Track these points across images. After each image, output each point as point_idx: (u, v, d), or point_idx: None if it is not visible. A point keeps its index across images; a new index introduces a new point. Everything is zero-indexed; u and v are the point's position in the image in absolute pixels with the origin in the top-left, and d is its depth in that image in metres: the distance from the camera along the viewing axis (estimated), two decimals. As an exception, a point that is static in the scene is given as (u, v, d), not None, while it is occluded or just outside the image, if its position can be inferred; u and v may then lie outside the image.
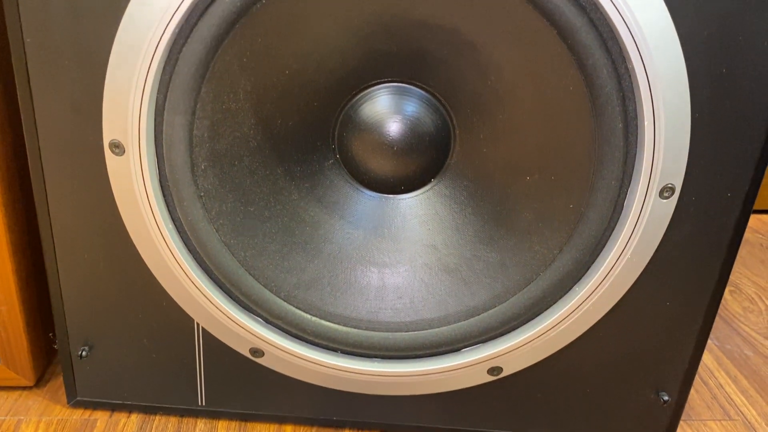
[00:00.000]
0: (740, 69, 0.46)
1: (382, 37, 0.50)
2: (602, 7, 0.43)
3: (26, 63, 0.48)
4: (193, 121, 0.48)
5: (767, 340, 0.80)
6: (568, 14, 0.44)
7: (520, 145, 0.52)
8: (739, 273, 0.97)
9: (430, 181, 0.57)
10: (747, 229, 1.12)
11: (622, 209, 0.50)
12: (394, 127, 0.54)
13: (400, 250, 0.57)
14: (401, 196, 0.58)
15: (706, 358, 0.76)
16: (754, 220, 1.16)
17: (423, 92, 0.54)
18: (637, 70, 0.45)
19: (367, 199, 0.57)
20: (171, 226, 0.52)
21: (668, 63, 0.45)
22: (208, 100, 0.48)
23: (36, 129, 0.50)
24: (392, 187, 0.57)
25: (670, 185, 0.49)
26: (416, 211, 0.57)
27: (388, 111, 0.54)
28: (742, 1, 0.45)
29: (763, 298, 0.90)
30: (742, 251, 1.03)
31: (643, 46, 0.44)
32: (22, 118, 0.50)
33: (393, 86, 0.54)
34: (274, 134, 0.53)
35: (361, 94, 0.54)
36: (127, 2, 0.45)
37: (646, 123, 0.47)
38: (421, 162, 0.56)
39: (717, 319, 0.83)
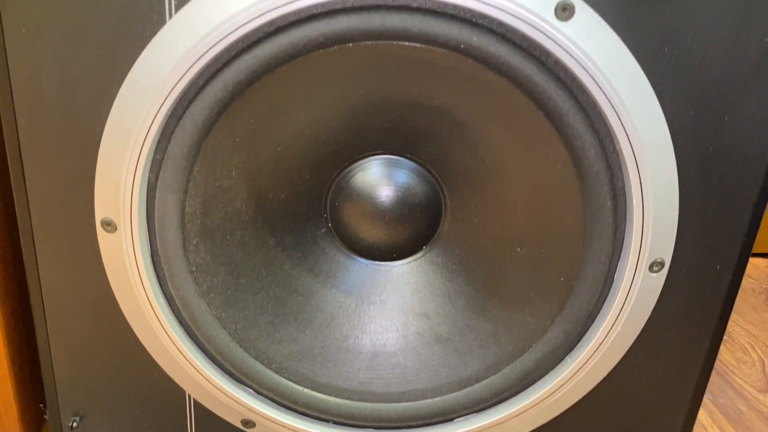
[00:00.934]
0: (726, 147, 0.47)
1: (373, 115, 0.50)
2: (589, 90, 0.44)
3: (18, 142, 0.48)
4: (185, 199, 0.49)
5: (761, 393, 0.79)
6: (555, 98, 0.44)
7: (511, 217, 0.53)
8: (731, 321, 0.97)
9: (421, 248, 0.57)
10: (739, 274, 1.12)
11: (612, 282, 0.50)
12: (385, 196, 0.55)
13: (393, 318, 0.57)
14: (393, 264, 0.58)
15: (700, 413, 0.76)
16: (747, 264, 1.17)
17: (414, 164, 0.54)
18: (624, 151, 0.46)
19: (360, 267, 0.58)
20: (162, 300, 0.52)
21: (655, 142, 0.46)
22: (201, 178, 0.49)
23: (28, 206, 0.50)
24: (384, 254, 0.57)
25: (659, 260, 0.49)
26: (408, 279, 0.57)
27: (380, 181, 0.54)
28: (727, 83, 0.45)
29: (756, 349, 0.90)
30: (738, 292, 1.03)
31: (630, 127, 0.45)
32: (14, 195, 0.50)
33: (384, 158, 0.54)
34: (266, 207, 0.53)
35: (353, 165, 0.54)
36: (119, 85, 0.46)
37: (634, 201, 0.47)
38: (412, 230, 0.56)
39: (711, 371, 0.83)
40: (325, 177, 0.54)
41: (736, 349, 0.90)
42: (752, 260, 1.19)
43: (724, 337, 0.92)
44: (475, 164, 0.52)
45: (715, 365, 0.85)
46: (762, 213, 0.49)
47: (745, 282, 1.10)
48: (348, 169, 0.55)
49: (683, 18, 0.44)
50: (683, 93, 0.45)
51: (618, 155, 0.46)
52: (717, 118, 0.46)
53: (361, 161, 0.54)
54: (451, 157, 0.52)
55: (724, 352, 0.89)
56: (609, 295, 0.51)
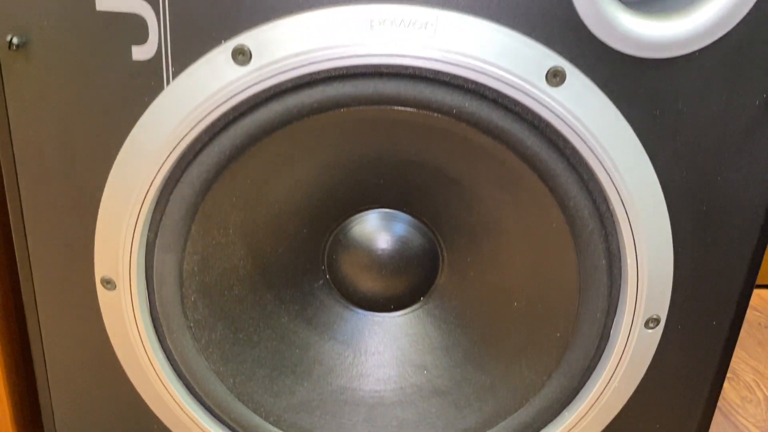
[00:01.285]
0: (720, 206, 0.47)
1: (369, 172, 0.51)
2: (581, 153, 0.45)
3: (21, 202, 0.49)
4: (183, 258, 0.49)
5: (765, 435, 0.79)
6: (548, 161, 0.45)
7: (507, 272, 0.53)
8: (736, 357, 0.96)
9: (419, 299, 0.58)
10: (745, 306, 1.11)
11: (608, 338, 0.51)
12: (382, 249, 0.55)
13: (390, 370, 0.57)
14: (391, 315, 0.58)
15: (704, 456, 0.75)
16: (752, 296, 1.16)
17: (410, 217, 0.55)
18: (617, 211, 0.46)
19: (357, 318, 0.58)
20: (161, 355, 0.52)
21: (648, 202, 0.46)
22: (198, 237, 0.49)
23: (30, 264, 0.51)
24: (382, 305, 0.58)
25: (654, 317, 0.49)
26: (406, 330, 0.58)
27: (377, 233, 0.55)
28: (719, 145, 0.46)
29: (762, 387, 0.89)
30: (740, 332, 1.03)
31: (622, 188, 0.45)
32: (16, 253, 0.51)
33: (381, 211, 0.55)
34: (264, 261, 0.53)
35: (350, 219, 0.55)
36: (119, 148, 0.46)
37: (628, 260, 0.47)
38: (409, 282, 0.56)
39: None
40: (322, 231, 0.55)
41: (741, 387, 0.89)
42: (758, 292, 1.18)
43: (728, 375, 0.92)
44: (470, 220, 0.52)
45: (720, 404, 0.84)
46: (757, 271, 0.49)
47: (750, 315, 1.10)
48: (345, 222, 0.55)
49: (674, 82, 0.44)
50: (676, 154, 0.46)
51: (612, 215, 0.47)
52: (710, 179, 0.47)
53: (359, 214, 0.55)
54: (447, 212, 0.53)
55: (729, 390, 0.88)
56: (605, 350, 0.51)
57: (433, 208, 0.53)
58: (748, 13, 0.42)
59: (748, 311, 1.09)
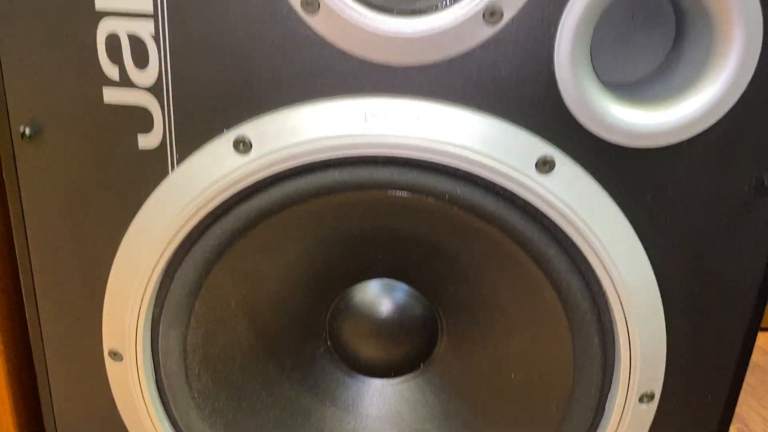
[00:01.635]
0: (712, 286, 0.48)
1: (367, 246, 0.52)
2: (571, 238, 0.46)
3: (33, 281, 0.51)
4: (187, 332, 0.51)
5: (774, 491, 0.78)
6: (540, 245, 0.46)
7: (503, 344, 0.54)
8: (747, 406, 0.95)
9: (419, 366, 0.59)
10: (756, 350, 1.11)
11: (603, 412, 0.51)
12: (383, 317, 0.56)
13: (391, 436, 0.58)
14: (391, 381, 0.59)
15: None
16: (763, 337, 1.15)
17: (409, 287, 0.56)
18: (609, 293, 0.47)
19: (358, 384, 0.59)
20: (167, 424, 0.54)
21: (640, 283, 0.47)
22: (202, 313, 0.51)
23: (41, 336, 0.53)
24: (382, 371, 0.59)
25: (649, 392, 0.50)
26: (407, 397, 0.59)
27: (377, 302, 0.56)
28: (710, 227, 0.46)
29: (772, 438, 0.89)
30: (750, 379, 1.02)
31: (613, 270, 0.46)
32: (28, 326, 0.53)
33: (380, 282, 0.56)
34: (266, 332, 0.55)
35: (351, 288, 0.56)
36: (125, 230, 0.48)
37: (621, 339, 0.48)
38: (409, 349, 0.57)
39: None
40: (323, 301, 0.56)
41: (751, 439, 0.88)
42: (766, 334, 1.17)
43: (739, 424, 0.91)
44: (467, 293, 0.53)
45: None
46: (751, 347, 0.50)
47: (762, 359, 1.09)
48: (345, 292, 0.56)
49: (663, 169, 0.45)
50: (666, 237, 0.47)
51: (604, 295, 0.47)
52: (701, 260, 0.47)
53: (359, 284, 0.56)
54: (445, 284, 0.54)
55: (738, 442, 0.87)
56: (600, 424, 0.51)
57: (430, 281, 0.54)
58: (736, 104, 0.43)
59: (760, 356, 1.08)
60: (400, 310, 0.56)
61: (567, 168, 0.45)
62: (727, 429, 0.52)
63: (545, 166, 0.44)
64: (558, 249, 0.46)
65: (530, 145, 0.44)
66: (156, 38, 0.43)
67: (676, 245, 0.47)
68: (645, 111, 0.44)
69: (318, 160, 0.45)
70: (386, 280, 0.56)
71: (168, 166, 0.47)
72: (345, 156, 0.45)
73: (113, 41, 0.44)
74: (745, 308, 0.48)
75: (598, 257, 0.46)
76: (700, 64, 0.44)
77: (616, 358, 0.49)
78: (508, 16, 0.41)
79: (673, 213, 0.46)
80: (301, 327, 0.56)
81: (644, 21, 0.47)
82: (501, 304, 0.52)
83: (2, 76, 0.45)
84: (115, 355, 0.52)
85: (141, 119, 0.46)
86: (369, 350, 0.58)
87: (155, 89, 0.45)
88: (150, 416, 0.53)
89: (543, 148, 0.44)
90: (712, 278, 0.48)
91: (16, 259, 0.51)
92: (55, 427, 0.56)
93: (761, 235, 0.46)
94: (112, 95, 0.45)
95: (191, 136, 0.46)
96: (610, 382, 0.50)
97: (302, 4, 0.42)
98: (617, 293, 0.47)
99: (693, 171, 0.45)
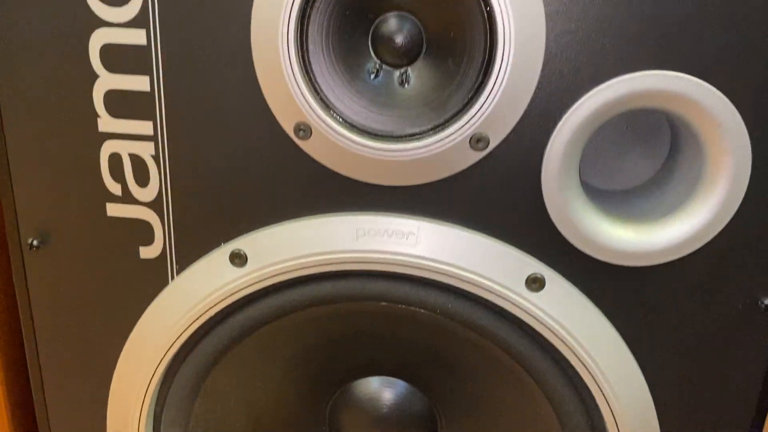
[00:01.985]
0: (708, 400, 0.47)
1: (365, 348, 0.53)
2: (562, 353, 0.46)
3: (40, 368, 0.53)
4: (188, 430, 0.52)
5: None
6: (531, 358, 0.46)
7: (501, 444, 0.54)
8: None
9: (420, 456, 0.59)
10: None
11: None
12: (382, 410, 0.57)
13: None
14: (392, 473, 0.59)
15: None
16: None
17: (408, 384, 0.56)
18: (602, 405, 0.47)
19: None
20: None
21: (632, 395, 0.47)
22: (201, 412, 0.52)
23: (49, 428, 0.55)
24: (384, 462, 0.59)
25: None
26: (405, 489, 0.59)
27: (376, 397, 0.57)
28: (705, 345, 0.46)
29: None
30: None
31: (605, 384, 0.46)
32: (36, 416, 0.54)
33: (378, 378, 0.57)
34: (266, 427, 0.56)
35: (351, 384, 0.57)
36: (128, 335, 0.50)
37: (615, 451, 0.48)
38: (409, 443, 0.58)
39: None
40: (322, 397, 0.57)
41: None
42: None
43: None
44: (464, 393, 0.53)
45: None
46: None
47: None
48: (347, 387, 0.57)
49: (654, 287, 0.45)
50: (659, 352, 0.46)
51: (598, 408, 0.47)
52: (696, 374, 0.47)
53: (357, 380, 0.57)
54: (442, 384, 0.54)
55: None
56: None
57: (428, 380, 0.55)
58: (726, 226, 0.43)
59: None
60: (399, 406, 0.56)
61: (557, 286, 0.45)
62: None
63: (535, 284, 0.45)
64: (551, 363, 0.46)
65: (520, 264, 0.45)
66: (156, 158, 0.45)
67: (670, 361, 0.46)
68: (635, 231, 0.44)
69: (310, 274, 0.46)
70: (383, 377, 0.57)
71: (168, 276, 0.48)
72: (337, 270, 0.46)
73: (116, 160, 0.46)
74: (742, 425, 0.48)
75: (591, 374, 0.46)
76: (692, 182, 0.44)
77: (612, 467, 0.49)
78: (494, 142, 0.42)
79: (665, 330, 0.46)
80: (301, 420, 0.57)
81: (640, 133, 0.47)
82: (497, 407, 0.52)
83: (13, 193, 0.47)
84: (119, 451, 0.53)
85: (142, 232, 0.47)
86: (370, 441, 0.58)
87: (155, 204, 0.46)
88: None
89: (533, 266, 0.45)
90: (708, 394, 0.47)
91: (27, 368, 0.53)
92: None
93: (756, 353, 0.46)
94: (114, 210, 0.47)
95: (190, 248, 0.47)
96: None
97: (295, 131, 0.43)
98: (610, 409, 0.47)
99: (684, 289, 0.45)
